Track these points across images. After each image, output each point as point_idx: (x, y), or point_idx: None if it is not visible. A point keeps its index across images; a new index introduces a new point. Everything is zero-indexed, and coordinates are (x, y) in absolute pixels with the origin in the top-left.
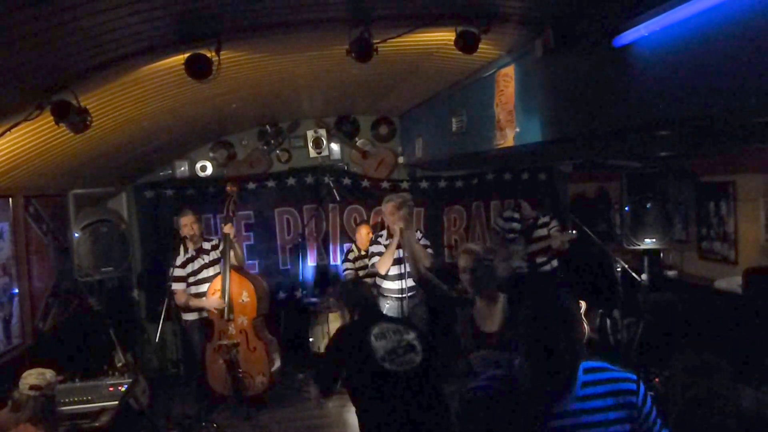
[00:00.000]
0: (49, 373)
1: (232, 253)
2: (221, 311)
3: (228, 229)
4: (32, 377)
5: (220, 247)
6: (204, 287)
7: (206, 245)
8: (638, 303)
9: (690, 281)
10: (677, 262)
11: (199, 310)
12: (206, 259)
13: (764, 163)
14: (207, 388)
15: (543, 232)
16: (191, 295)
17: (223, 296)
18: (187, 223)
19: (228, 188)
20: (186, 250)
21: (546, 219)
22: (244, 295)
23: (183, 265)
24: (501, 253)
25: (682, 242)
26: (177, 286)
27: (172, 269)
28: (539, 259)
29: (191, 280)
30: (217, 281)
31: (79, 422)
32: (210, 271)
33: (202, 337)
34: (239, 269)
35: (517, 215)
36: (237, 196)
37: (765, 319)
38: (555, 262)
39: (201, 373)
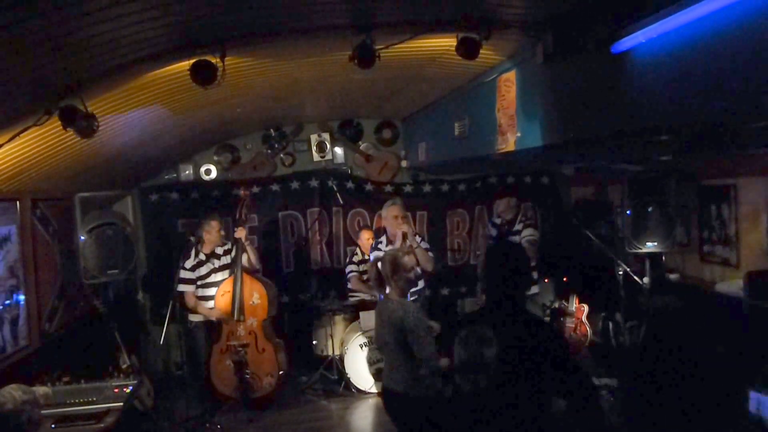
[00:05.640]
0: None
1: (245, 257)
2: (231, 313)
3: (240, 233)
4: None
5: (233, 253)
6: (210, 291)
7: (218, 250)
8: (640, 306)
9: (691, 284)
10: (679, 265)
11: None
12: (216, 264)
13: (766, 167)
14: (211, 389)
15: (515, 239)
16: (197, 297)
17: (233, 299)
18: (217, 228)
19: (242, 193)
20: (197, 254)
21: (519, 227)
22: (255, 297)
23: (192, 269)
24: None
25: (684, 245)
26: (185, 288)
27: (179, 271)
28: None
29: (199, 283)
30: (228, 283)
31: (83, 423)
32: (218, 276)
33: (208, 338)
34: (251, 272)
35: (498, 220)
36: (249, 201)
37: (766, 322)
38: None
39: (205, 374)
